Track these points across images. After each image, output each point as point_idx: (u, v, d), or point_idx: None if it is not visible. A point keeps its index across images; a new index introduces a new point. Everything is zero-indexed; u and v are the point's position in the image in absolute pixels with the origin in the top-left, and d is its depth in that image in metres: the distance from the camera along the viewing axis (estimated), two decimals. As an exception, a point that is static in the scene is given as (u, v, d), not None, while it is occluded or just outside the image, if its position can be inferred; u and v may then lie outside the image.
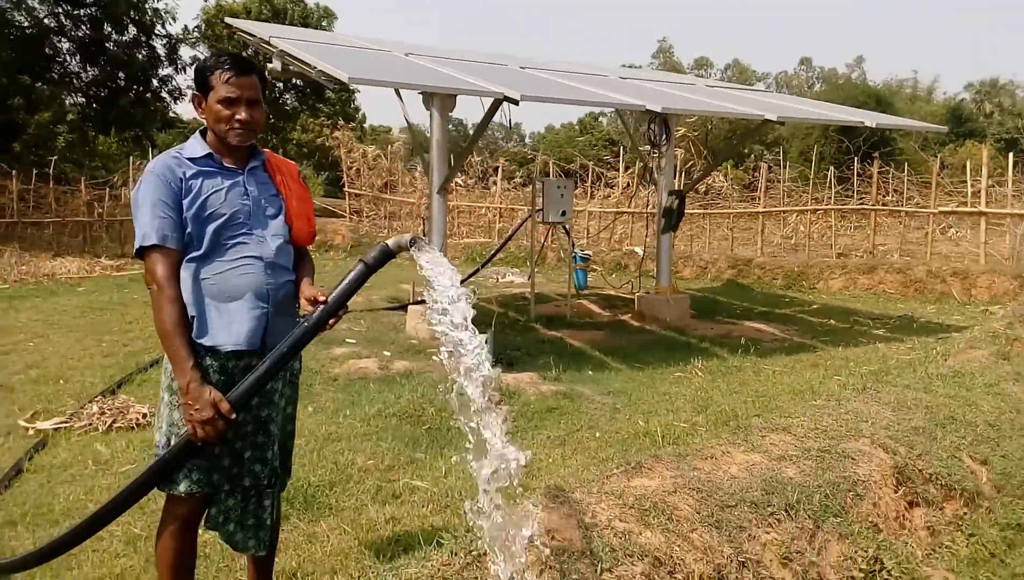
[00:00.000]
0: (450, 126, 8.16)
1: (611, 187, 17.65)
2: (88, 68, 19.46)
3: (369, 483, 4.08)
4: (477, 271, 10.95)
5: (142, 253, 2.36)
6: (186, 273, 2.37)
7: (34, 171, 15.89)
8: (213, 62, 2.45)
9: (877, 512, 3.00)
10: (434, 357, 7.38)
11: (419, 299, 8.39)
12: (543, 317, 9.64)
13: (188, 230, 2.36)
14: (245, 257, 2.42)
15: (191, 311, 2.34)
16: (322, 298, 2.36)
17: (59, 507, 3.75)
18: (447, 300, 2.07)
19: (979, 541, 3.27)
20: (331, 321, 2.37)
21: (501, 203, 17.76)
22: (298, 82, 32.95)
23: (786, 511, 2.68)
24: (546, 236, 13.12)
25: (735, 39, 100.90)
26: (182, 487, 2.39)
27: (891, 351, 7.85)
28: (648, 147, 10.00)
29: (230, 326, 2.38)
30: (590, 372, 6.75)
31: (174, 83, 22.18)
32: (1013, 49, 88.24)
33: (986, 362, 5.47)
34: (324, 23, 34.51)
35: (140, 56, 19.81)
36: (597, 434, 4.94)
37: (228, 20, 10.85)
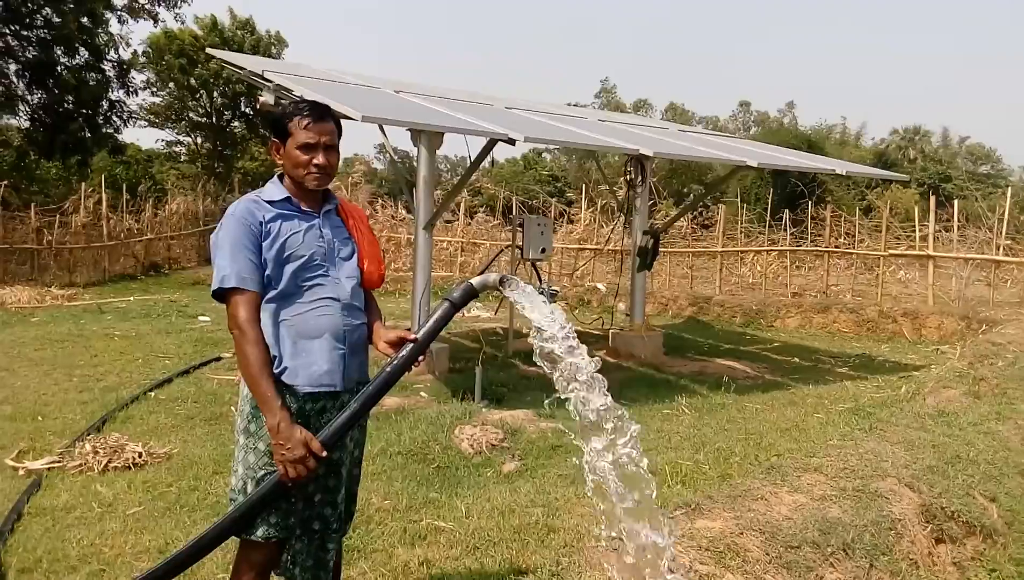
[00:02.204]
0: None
1: (572, 223, 17.94)
2: (35, 91, 18.84)
3: (392, 524, 4.02)
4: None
5: (219, 295, 2.36)
6: (265, 315, 2.38)
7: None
8: (292, 109, 2.50)
9: (915, 549, 3.12)
10: (421, 393, 7.38)
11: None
12: (520, 352, 9.67)
13: (267, 272, 2.37)
14: (323, 298, 2.45)
15: (272, 351, 2.34)
16: (412, 337, 2.39)
17: (74, 553, 3.59)
18: (555, 333, 2.16)
19: (999, 576, 3.43)
20: (420, 358, 2.41)
21: (463, 237, 17.81)
22: (247, 110, 32.48)
23: (844, 551, 2.78)
24: (514, 271, 13.24)
25: (671, 82, 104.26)
26: (260, 532, 2.36)
27: (860, 389, 8.12)
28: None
29: (310, 367, 2.40)
30: (580, 409, 6.78)
31: (125, 107, 21.63)
32: (934, 98, 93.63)
33: (965, 402, 5.74)
34: (274, 50, 34.25)
35: (91, 80, 19.28)
36: (606, 472, 4.97)
37: (210, 51, 10.67)
